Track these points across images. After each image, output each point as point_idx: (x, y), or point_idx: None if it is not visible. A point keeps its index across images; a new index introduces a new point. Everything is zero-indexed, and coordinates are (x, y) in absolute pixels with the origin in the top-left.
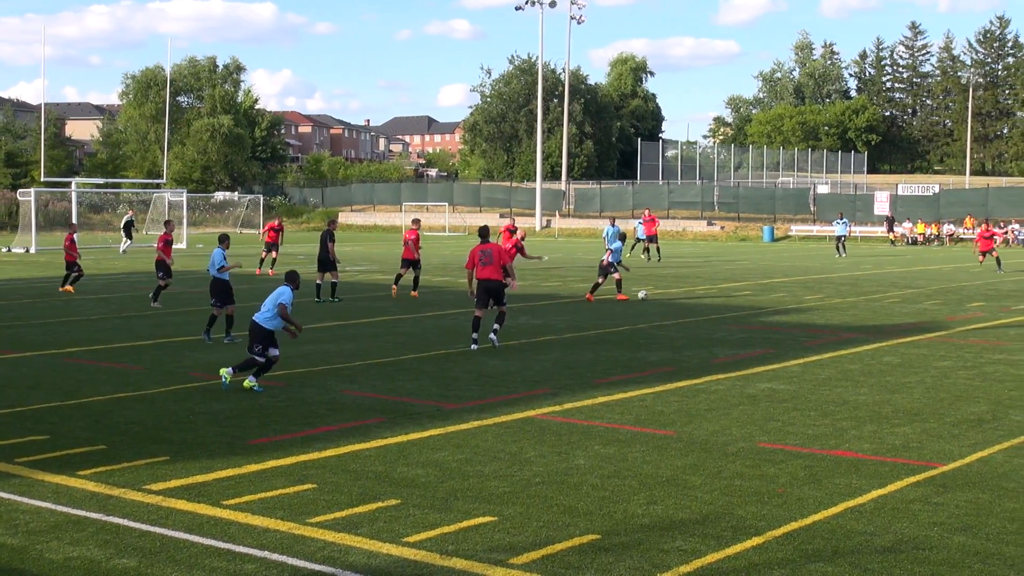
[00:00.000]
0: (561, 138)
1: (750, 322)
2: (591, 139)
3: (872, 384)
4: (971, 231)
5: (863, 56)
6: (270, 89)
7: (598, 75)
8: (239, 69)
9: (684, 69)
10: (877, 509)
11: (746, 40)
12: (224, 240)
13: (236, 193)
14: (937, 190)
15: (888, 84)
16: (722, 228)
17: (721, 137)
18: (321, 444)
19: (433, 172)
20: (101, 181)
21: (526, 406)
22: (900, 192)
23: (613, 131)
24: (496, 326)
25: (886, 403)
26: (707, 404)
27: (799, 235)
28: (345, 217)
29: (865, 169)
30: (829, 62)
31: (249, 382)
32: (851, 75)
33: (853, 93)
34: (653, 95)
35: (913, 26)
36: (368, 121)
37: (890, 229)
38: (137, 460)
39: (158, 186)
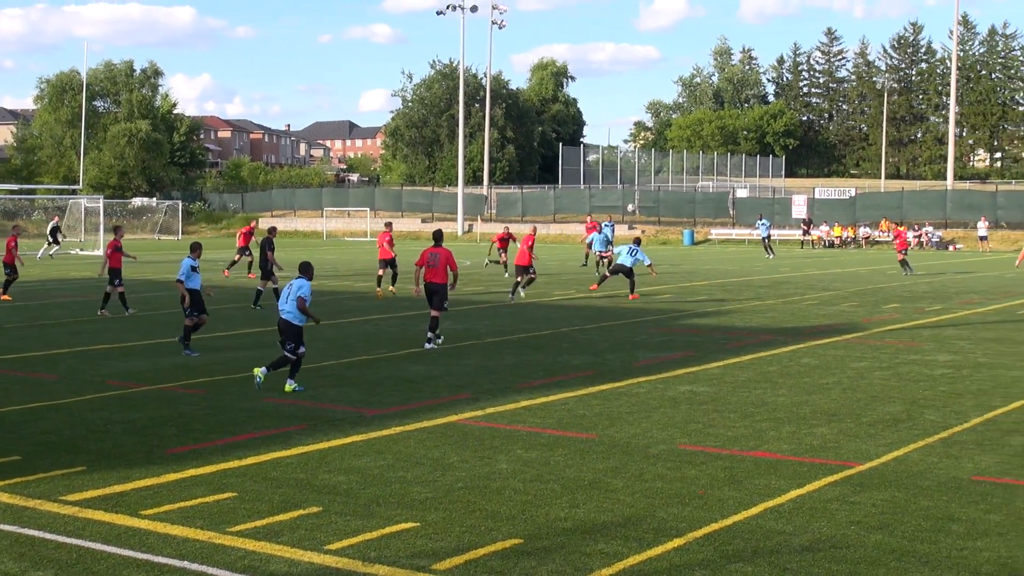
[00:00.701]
0: (483, 143)
1: (671, 325)
2: (513, 144)
3: (790, 385)
4: (886, 234)
5: (781, 61)
6: (189, 93)
7: (520, 80)
8: (157, 73)
9: (605, 74)
10: (795, 509)
11: (666, 45)
12: (196, 248)
13: (154, 199)
14: (853, 194)
15: (805, 89)
16: (643, 232)
17: (642, 142)
18: (241, 452)
19: (355, 177)
20: (15, 187)
21: (448, 411)
22: (817, 196)
23: (535, 136)
24: (430, 333)
25: (804, 404)
26: (628, 407)
27: (719, 239)
28: (266, 223)
29: (783, 173)
30: (747, 67)
31: (290, 386)
32: (769, 80)
33: (771, 98)
34: (574, 100)
35: (829, 32)
36: (288, 126)
37: (807, 232)
38: (53, 471)
39: (74, 192)
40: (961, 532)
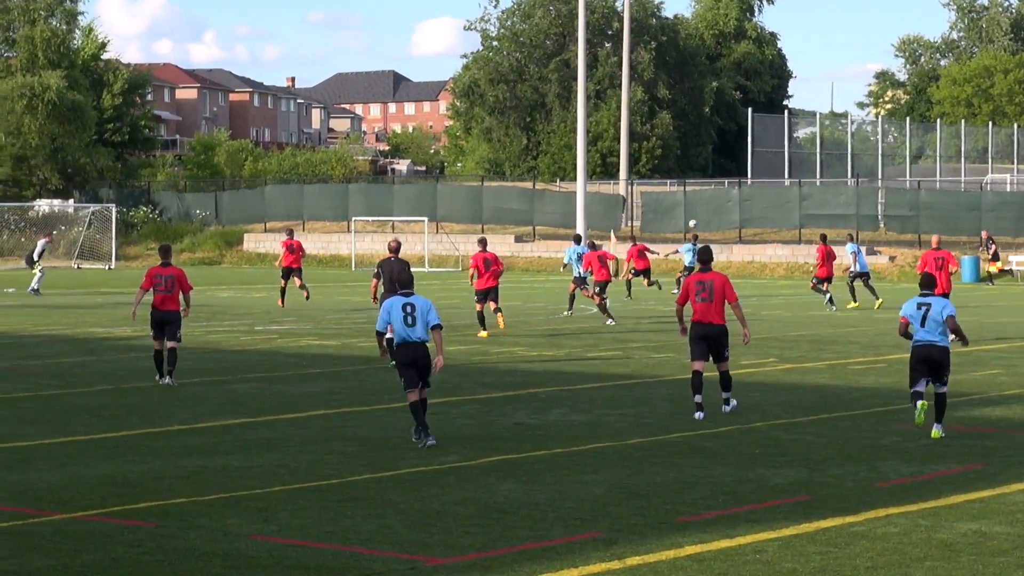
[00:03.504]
0: (618, 109)
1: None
2: (669, 110)
3: None
4: None
5: None
6: (130, 27)
7: (679, 3)
8: None
9: None
10: None
11: None
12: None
13: (71, 201)
14: None
15: None
16: (891, 260)
17: (889, 106)
18: None
19: (403, 165)
20: None
21: (563, 561)
22: None
23: (706, 97)
24: (725, 394)
25: None
26: (870, 558)
27: None
28: (255, 241)
29: None
30: None
31: (937, 431)
32: None
33: None
34: (773, 36)
35: None
36: (293, 80)
37: (995, 256)
38: None
39: None
40: None
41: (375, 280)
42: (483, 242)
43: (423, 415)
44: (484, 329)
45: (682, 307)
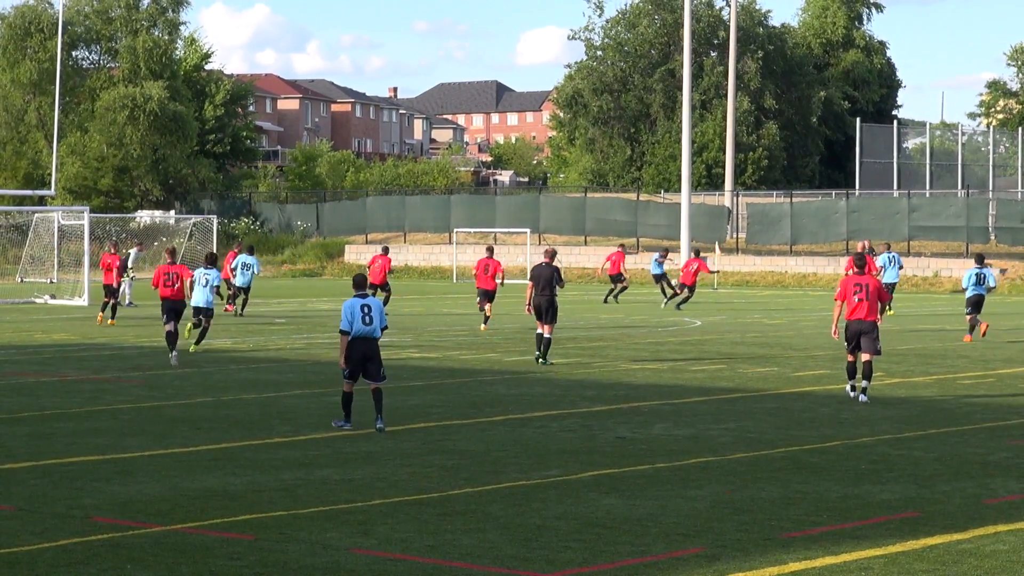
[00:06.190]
0: (724, 119)
1: None
2: (776, 120)
3: None
4: None
5: None
6: (233, 37)
7: (786, 11)
8: (178, 3)
9: (933, 0)
10: None
11: None
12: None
13: (172, 212)
14: None
15: None
16: (1003, 272)
17: (1001, 116)
18: None
19: (506, 176)
20: None
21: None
22: None
23: (813, 106)
24: (864, 383)
25: None
26: None
27: None
28: (356, 252)
29: None
30: None
31: None
32: None
33: None
34: (881, 44)
35: None
36: (396, 91)
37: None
38: None
39: (42, 201)
40: None
41: (531, 284)
42: (490, 250)
43: (351, 407)
44: (485, 324)
45: (841, 304)
